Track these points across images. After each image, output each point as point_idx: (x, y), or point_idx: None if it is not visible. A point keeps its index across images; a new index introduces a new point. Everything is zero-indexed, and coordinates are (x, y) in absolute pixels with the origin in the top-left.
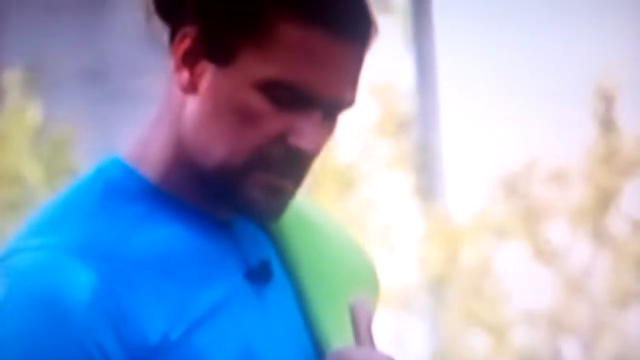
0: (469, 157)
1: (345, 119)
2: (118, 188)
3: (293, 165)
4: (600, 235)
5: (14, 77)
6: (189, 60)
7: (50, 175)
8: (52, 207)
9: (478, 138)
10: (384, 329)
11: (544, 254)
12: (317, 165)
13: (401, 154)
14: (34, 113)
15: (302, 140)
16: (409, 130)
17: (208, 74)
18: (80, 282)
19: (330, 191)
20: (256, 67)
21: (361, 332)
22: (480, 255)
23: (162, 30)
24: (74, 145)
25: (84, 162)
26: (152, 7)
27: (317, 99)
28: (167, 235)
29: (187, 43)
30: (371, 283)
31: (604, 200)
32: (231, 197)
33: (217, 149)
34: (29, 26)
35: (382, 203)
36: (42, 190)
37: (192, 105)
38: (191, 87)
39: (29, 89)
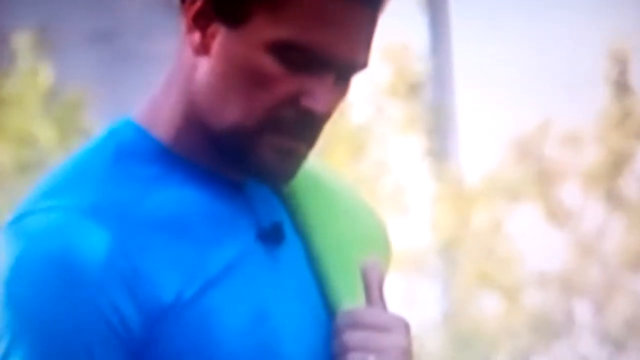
0: (482, 119)
1: (357, 81)
2: (130, 150)
3: (305, 127)
4: (613, 198)
5: (25, 39)
6: (200, 22)
7: (63, 136)
8: (65, 169)
9: (491, 100)
10: (396, 291)
11: (557, 216)
12: (329, 128)
13: (414, 115)
14: (45, 75)
15: (315, 102)
16: (422, 92)
17: (220, 35)
18: (93, 242)
19: (343, 153)
20: (268, 28)
21: (372, 294)
22: (493, 217)
23: None
24: (85, 107)
25: (96, 123)
26: None
27: (329, 61)
28: (180, 197)
29: (198, 4)
30: (383, 245)
31: (617, 163)
32: (243, 159)
33: (229, 111)
34: None
35: (394, 165)
36: (55, 151)
37: (204, 67)
38: (203, 49)
39: (40, 50)
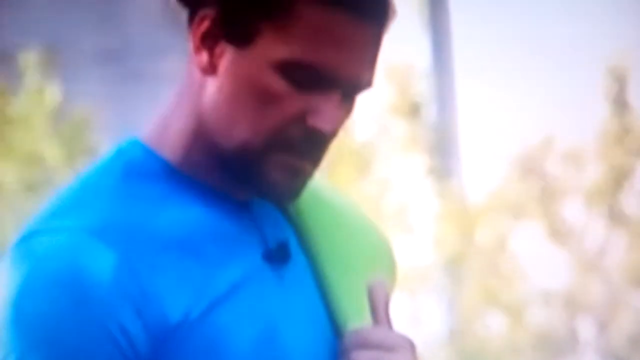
0: (484, 137)
1: (361, 100)
2: (138, 169)
3: (312, 145)
4: (614, 215)
5: (32, 57)
6: (208, 42)
7: (70, 156)
8: (73, 189)
9: (493, 119)
10: (401, 308)
11: (560, 233)
12: (334, 146)
13: (417, 134)
14: (52, 94)
15: (321, 121)
16: (425, 111)
17: (227, 55)
18: (101, 263)
19: (346, 171)
20: (275, 48)
21: (379, 313)
22: (496, 235)
23: (181, 11)
24: (93, 126)
25: (103, 142)
26: None
27: (335, 79)
28: (187, 216)
29: (206, 25)
30: (388, 263)
31: (618, 180)
32: (250, 177)
33: (236, 130)
34: (48, 6)
35: (398, 183)
36: (61, 170)
37: (212, 86)
38: (210, 69)
39: (48, 69)
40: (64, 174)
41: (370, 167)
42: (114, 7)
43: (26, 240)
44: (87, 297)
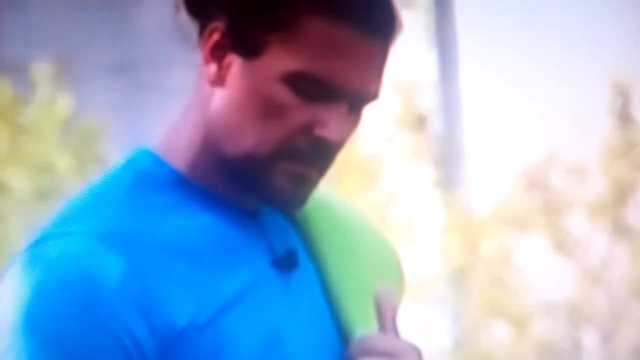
0: (489, 150)
1: (368, 112)
2: (147, 178)
3: (318, 155)
4: (618, 227)
5: (44, 68)
6: (217, 54)
7: (80, 165)
8: (83, 196)
9: (498, 131)
10: (407, 319)
11: (564, 245)
12: (340, 157)
13: (423, 146)
14: (64, 104)
15: (328, 131)
16: (431, 123)
17: (235, 66)
18: (109, 268)
19: (353, 182)
20: (282, 60)
21: (386, 322)
22: (501, 247)
23: (190, 24)
24: (103, 136)
25: (113, 152)
26: (181, 3)
27: (342, 91)
28: (195, 224)
29: (215, 37)
30: (396, 272)
31: (622, 193)
32: (256, 186)
33: (243, 140)
34: (59, 19)
35: (403, 194)
36: (72, 179)
37: (220, 97)
38: (219, 80)
39: (60, 80)
40: (75, 183)
41: (376, 179)
42: (125, 19)
43: (37, 244)
44: (94, 302)
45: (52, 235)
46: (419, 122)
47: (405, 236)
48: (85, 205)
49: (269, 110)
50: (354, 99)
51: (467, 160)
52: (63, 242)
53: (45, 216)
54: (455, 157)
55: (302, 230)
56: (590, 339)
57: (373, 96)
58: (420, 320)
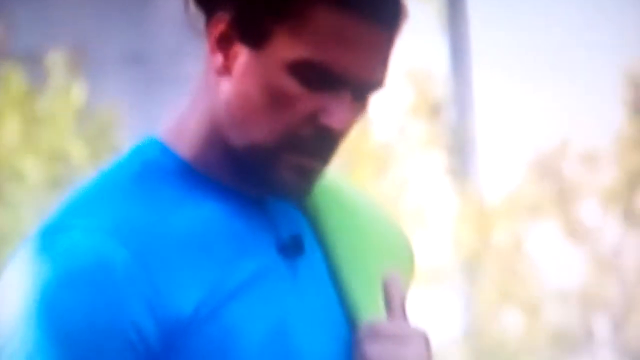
0: (502, 139)
1: (380, 101)
2: (154, 168)
3: (323, 144)
4: (630, 215)
5: (59, 58)
6: (223, 44)
7: (94, 153)
8: (89, 187)
9: (510, 120)
10: (418, 307)
11: (576, 233)
12: (354, 146)
13: (435, 135)
14: (78, 93)
15: (332, 119)
16: (443, 112)
17: (241, 56)
18: (113, 260)
19: (365, 171)
20: (288, 49)
21: (393, 307)
22: (513, 235)
23: (199, 15)
24: (117, 125)
25: (127, 141)
26: None
27: (346, 79)
28: (202, 213)
29: (221, 27)
30: (405, 257)
31: (633, 182)
32: (262, 175)
33: (249, 129)
34: (74, 9)
35: (416, 183)
36: (86, 169)
37: (226, 86)
38: (225, 70)
39: (74, 70)
40: (88, 172)
41: (389, 167)
42: (140, 10)
43: (42, 237)
44: (99, 294)
45: (58, 227)
46: (432, 111)
47: (418, 224)
48: (90, 197)
49: (274, 99)
50: (359, 87)
51: (480, 149)
52: (68, 235)
53: (57, 204)
54: (467, 146)
55: (310, 217)
56: (602, 326)
57: (378, 84)
58: (431, 308)
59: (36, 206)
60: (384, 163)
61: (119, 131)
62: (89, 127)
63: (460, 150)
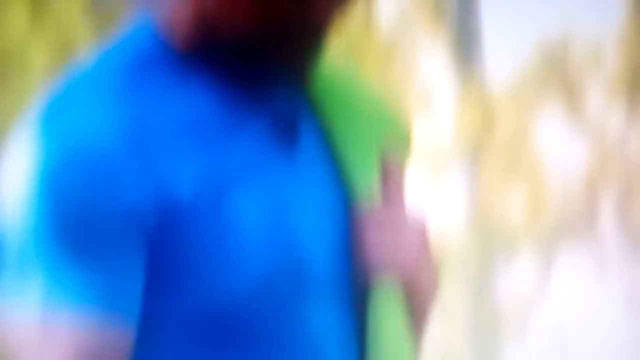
0: (507, 28)
1: None
2: (147, 56)
3: (311, 37)
4: (634, 105)
5: None
6: None
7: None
8: (86, 71)
9: (516, 6)
10: (421, 193)
11: (580, 122)
12: (358, 38)
13: (440, 25)
14: None
15: (318, 10)
16: (448, 2)
17: None
18: (111, 147)
19: (369, 59)
20: None
21: (391, 189)
22: (518, 122)
23: None
24: (125, 16)
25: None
26: None
27: None
28: (196, 102)
29: None
30: (403, 136)
31: (637, 73)
32: (254, 65)
33: (239, 20)
34: None
35: (421, 72)
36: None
37: None
38: None
39: None
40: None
41: (393, 54)
42: None
43: (42, 118)
44: (98, 176)
45: (56, 111)
46: (437, 1)
47: (422, 110)
48: (89, 82)
49: None
50: None
51: (484, 35)
52: (67, 117)
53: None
54: (472, 36)
55: (307, 101)
56: (606, 212)
57: None
58: (435, 195)
59: (41, 96)
60: (388, 49)
61: (126, 20)
62: (98, 16)
63: (465, 40)
